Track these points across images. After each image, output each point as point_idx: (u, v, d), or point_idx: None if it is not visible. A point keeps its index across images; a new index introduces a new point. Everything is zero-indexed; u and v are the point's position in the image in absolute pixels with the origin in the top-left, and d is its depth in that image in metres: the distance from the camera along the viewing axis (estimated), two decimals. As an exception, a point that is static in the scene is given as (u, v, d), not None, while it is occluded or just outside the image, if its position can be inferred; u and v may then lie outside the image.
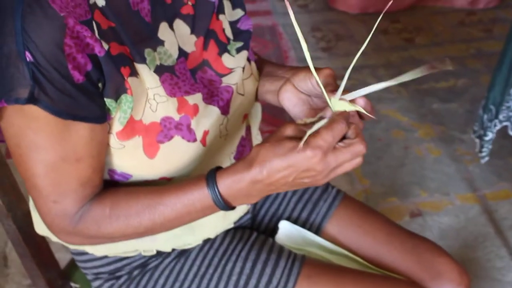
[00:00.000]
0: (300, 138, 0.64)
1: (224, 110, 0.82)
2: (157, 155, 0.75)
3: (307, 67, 0.71)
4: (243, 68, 0.85)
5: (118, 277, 0.92)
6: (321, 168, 0.64)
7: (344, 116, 0.66)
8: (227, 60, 0.83)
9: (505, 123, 1.63)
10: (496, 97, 1.62)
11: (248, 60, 0.87)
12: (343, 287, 0.88)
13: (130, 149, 0.74)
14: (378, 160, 2.05)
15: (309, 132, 0.64)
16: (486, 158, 1.75)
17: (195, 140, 0.77)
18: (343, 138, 0.66)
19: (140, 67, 0.72)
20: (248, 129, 0.97)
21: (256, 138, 1.00)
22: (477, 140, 1.76)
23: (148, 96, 0.73)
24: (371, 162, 2.03)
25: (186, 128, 0.76)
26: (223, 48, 0.83)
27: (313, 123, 0.69)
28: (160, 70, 0.74)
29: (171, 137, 0.75)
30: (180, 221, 0.75)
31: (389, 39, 2.78)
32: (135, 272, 0.91)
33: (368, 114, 0.68)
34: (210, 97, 0.80)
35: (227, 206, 0.71)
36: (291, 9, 0.65)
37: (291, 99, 0.78)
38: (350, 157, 0.65)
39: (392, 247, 0.95)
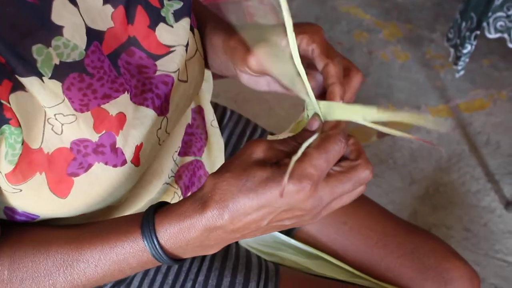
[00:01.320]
0: (275, 163, 0.45)
1: (162, 110, 0.57)
2: (70, 193, 0.52)
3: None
4: (186, 45, 0.58)
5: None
6: (311, 205, 0.44)
7: (342, 129, 0.47)
8: (164, 33, 0.57)
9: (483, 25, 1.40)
10: (478, 4, 1.38)
11: (191, 29, 0.60)
12: None
13: (30, 192, 0.51)
14: (340, 69, 1.81)
15: (294, 158, 0.44)
16: (462, 72, 1.54)
17: (124, 162, 0.53)
18: (340, 159, 0.47)
19: (27, 82, 0.46)
20: (197, 110, 0.72)
21: (212, 125, 0.75)
22: (451, 50, 1.54)
23: (46, 115, 0.48)
24: (333, 73, 1.79)
25: (109, 149, 0.52)
26: (155, 16, 0.56)
27: (294, 140, 0.49)
28: (61, 71, 0.48)
29: (89, 166, 0.52)
30: (111, 278, 0.54)
31: None
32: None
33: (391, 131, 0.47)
34: (141, 93, 0.55)
35: (174, 260, 0.51)
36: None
37: (251, 82, 0.57)
38: (351, 187, 0.46)
39: (387, 251, 0.74)
